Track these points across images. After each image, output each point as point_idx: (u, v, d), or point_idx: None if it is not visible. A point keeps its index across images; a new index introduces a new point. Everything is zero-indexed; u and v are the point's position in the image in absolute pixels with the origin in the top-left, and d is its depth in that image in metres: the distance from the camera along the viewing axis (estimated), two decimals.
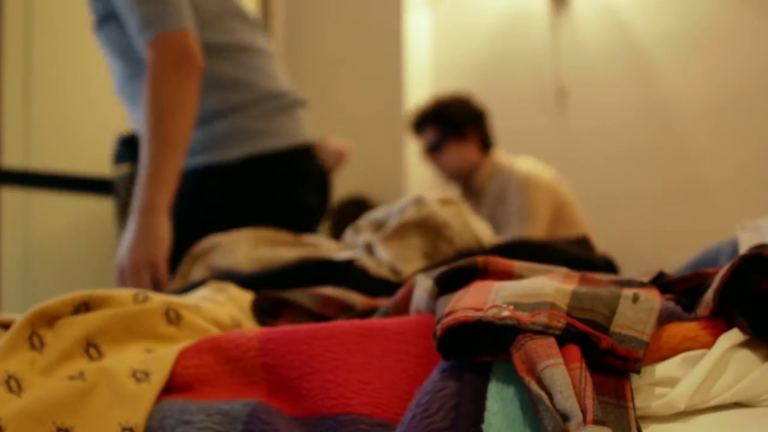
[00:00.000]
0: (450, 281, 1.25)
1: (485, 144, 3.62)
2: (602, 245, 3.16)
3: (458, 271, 1.26)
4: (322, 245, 2.09)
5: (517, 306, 1.05)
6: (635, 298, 1.07)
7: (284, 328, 1.22)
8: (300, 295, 1.56)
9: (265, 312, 1.55)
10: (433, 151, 3.60)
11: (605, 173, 4.34)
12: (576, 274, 1.25)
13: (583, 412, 0.88)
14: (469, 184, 3.64)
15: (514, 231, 3.39)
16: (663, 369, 1.06)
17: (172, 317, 1.34)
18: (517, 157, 3.68)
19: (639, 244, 4.08)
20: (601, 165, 4.38)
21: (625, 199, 4.27)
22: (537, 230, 3.36)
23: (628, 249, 3.81)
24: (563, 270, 1.30)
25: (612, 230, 4.11)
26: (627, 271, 1.72)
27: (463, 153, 3.54)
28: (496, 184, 3.52)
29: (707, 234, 2.45)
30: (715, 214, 4.03)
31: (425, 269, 1.64)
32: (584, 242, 1.90)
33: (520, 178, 3.44)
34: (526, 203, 3.36)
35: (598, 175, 4.35)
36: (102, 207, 3.58)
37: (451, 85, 4.76)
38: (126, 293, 1.33)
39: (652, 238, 4.14)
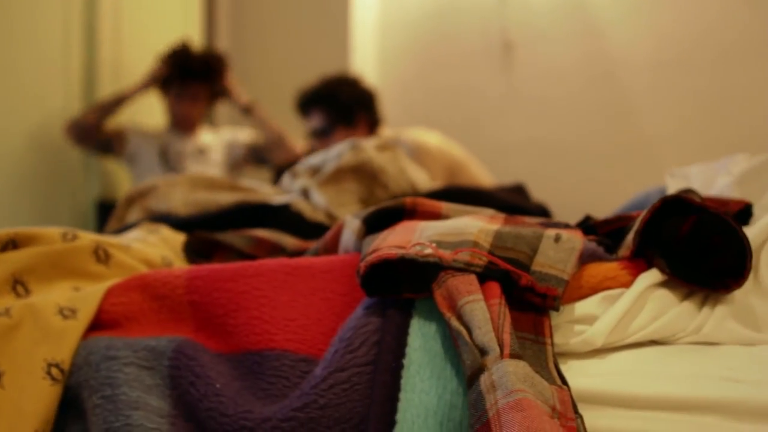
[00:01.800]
0: (378, 221, 1.25)
1: (374, 126, 3.55)
2: (545, 196, 3.19)
3: (386, 211, 1.26)
4: (259, 190, 2.08)
5: (440, 244, 1.06)
6: (557, 238, 1.09)
7: (211, 266, 1.21)
8: (232, 237, 1.56)
9: (197, 253, 1.54)
10: (320, 135, 3.51)
11: (550, 126, 4.36)
12: (501, 215, 1.26)
13: (501, 346, 0.89)
14: None
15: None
16: (582, 307, 1.08)
17: (101, 256, 1.33)
18: (404, 129, 3.62)
19: (582, 196, 4.11)
20: (545, 118, 4.40)
21: (569, 151, 4.30)
22: None
23: (571, 200, 3.85)
24: (489, 211, 1.31)
25: (555, 181, 4.14)
26: (568, 221, 1.75)
27: (349, 138, 3.43)
28: None
29: (649, 185, 2.48)
30: (657, 167, 4.07)
31: None
32: (519, 189, 1.92)
33: (409, 148, 3.34)
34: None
35: (542, 127, 4.36)
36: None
37: (397, 38, 4.73)
38: (54, 231, 1.32)
39: (595, 189, 4.17)
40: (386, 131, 3.61)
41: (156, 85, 3.77)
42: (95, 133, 3.59)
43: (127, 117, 3.83)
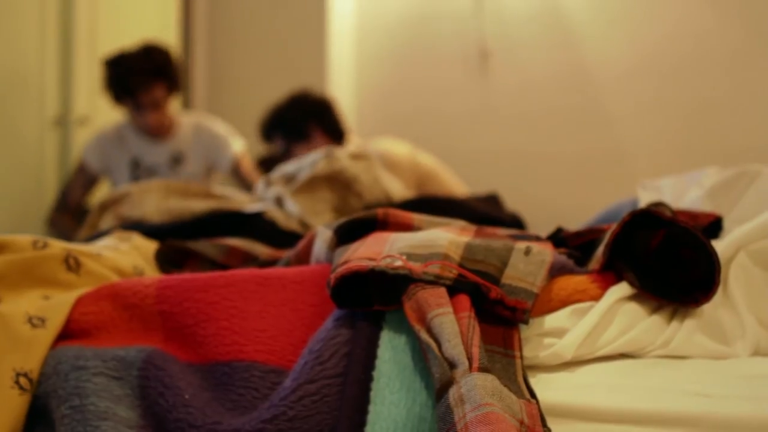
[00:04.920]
0: (350, 232, 1.25)
1: (335, 134, 3.53)
2: (520, 205, 3.19)
3: (358, 222, 1.26)
4: (233, 197, 2.08)
5: (411, 256, 1.06)
6: (527, 251, 1.09)
7: (182, 276, 1.21)
8: (204, 245, 1.56)
9: (168, 261, 1.54)
10: (284, 159, 3.48)
11: (525, 135, 4.37)
12: (472, 227, 1.27)
13: (470, 359, 0.90)
14: None
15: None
16: (552, 320, 1.09)
17: (72, 264, 1.33)
18: (372, 140, 3.61)
19: (556, 205, 4.13)
20: (521, 126, 4.41)
21: (544, 160, 4.32)
22: None
23: (546, 209, 3.86)
24: (461, 223, 1.31)
25: (530, 190, 4.15)
26: (541, 231, 1.75)
27: (311, 152, 3.40)
28: None
29: (623, 196, 2.49)
30: (631, 177, 4.09)
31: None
32: (493, 199, 1.92)
33: (378, 161, 3.33)
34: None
35: (518, 136, 4.38)
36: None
37: (374, 46, 4.74)
38: (24, 239, 1.31)
39: (569, 199, 4.19)
40: (354, 141, 3.61)
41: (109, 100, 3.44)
42: (81, 207, 3.46)
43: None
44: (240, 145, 3.66)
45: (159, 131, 3.50)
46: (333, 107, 3.58)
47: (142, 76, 3.33)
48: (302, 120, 3.45)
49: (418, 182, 3.35)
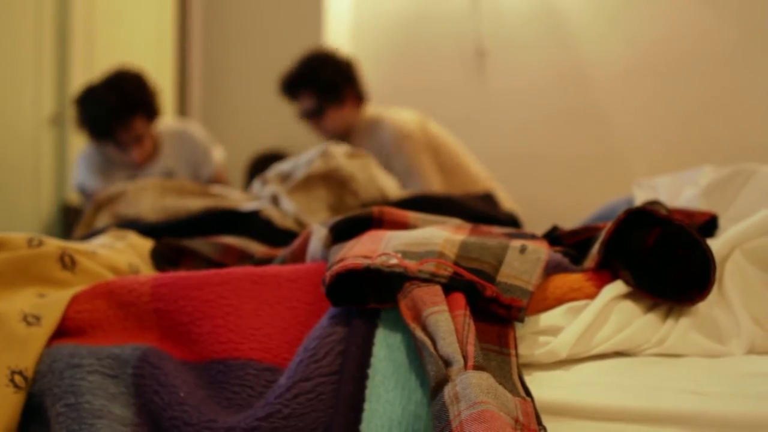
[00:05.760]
0: (345, 230, 1.25)
1: (361, 98, 3.54)
2: (517, 205, 3.20)
3: (353, 220, 1.26)
4: (229, 196, 2.07)
5: (406, 254, 1.06)
6: (522, 249, 1.09)
7: (177, 274, 1.21)
8: (200, 244, 1.56)
9: (164, 259, 1.54)
10: (312, 116, 3.51)
11: (522, 134, 4.38)
12: (468, 225, 1.27)
13: (465, 357, 0.90)
14: (347, 142, 3.54)
15: (414, 189, 3.33)
16: (547, 318, 1.09)
17: (67, 262, 1.32)
18: (386, 109, 3.62)
19: (553, 204, 4.13)
20: (518, 126, 4.41)
21: (541, 159, 4.32)
22: (431, 182, 3.31)
23: (542, 208, 3.86)
24: (456, 221, 1.31)
25: (527, 190, 4.15)
26: (538, 230, 1.75)
27: (342, 115, 3.41)
28: (371, 141, 3.42)
29: (620, 196, 2.49)
30: (628, 176, 4.10)
31: None
32: (488, 198, 1.93)
33: (392, 136, 3.33)
34: (408, 161, 3.29)
35: (514, 135, 4.38)
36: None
37: (371, 46, 4.74)
38: (20, 237, 1.31)
39: (566, 198, 4.19)
40: (371, 108, 3.59)
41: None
42: None
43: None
44: (219, 155, 3.65)
45: (147, 162, 3.30)
46: (358, 68, 3.58)
47: (117, 115, 3.05)
48: (338, 81, 3.43)
49: (431, 151, 3.36)
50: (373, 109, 3.57)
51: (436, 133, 3.41)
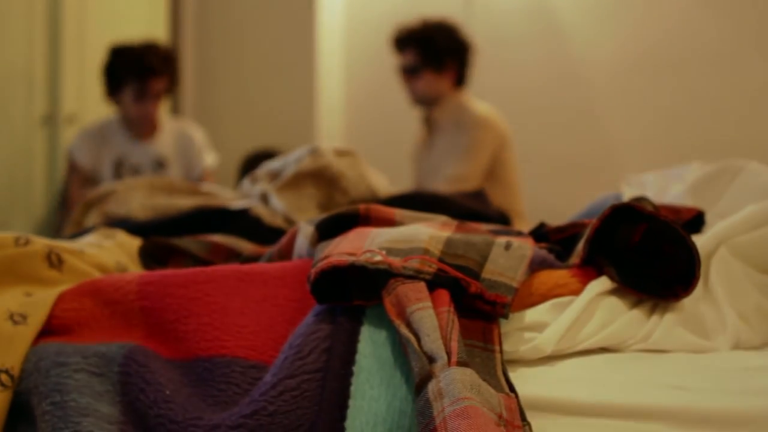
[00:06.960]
0: (331, 228, 1.25)
1: (460, 79, 3.58)
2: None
3: (340, 217, 1.26)
4: (218, 194, 2.08)
5: (391, 251, 1.06)
6: (507, 246, 1.10)
7: (163, 272, 1.21)
8: (188, 242, 1.56)
9: (152, 258, 1.54)
10: (409, 73, 3.58)
11: (514, 132, 4.37)
12: (453, 222, 1.27)
13: (449, 354, 0.90)
14: (430, 114, 3.59)
15: (454, 165, 3.39)
16: (532, 315, 1.09)
17: (54, 261, 1.32)
18: (479, 100, 3.66)
19: (545, 202, 4.13)
20: (510, 123, 4.42)
21: (533, 157, 4.32)
22: (475, 168, 3.36)
23: (534, 206, 3.87)
24: (442, 218, 1.31)
25: (519, 188, 4.16)
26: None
27: (436, 84, 3.48)
28: (452, 120, 3.48)
29: (611, 191, 2.50)
30: (620, 174, 4.10)
31: None
32: (480, 196, 1.93)
33: (474, 117, 3.41)
34: (472, 141, 3.35)
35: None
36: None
37: (363, 44, 4.74)
38: (6, 236, 1.31)
39: (557, 196, 4.19)
40: (467, 95, 3.63)
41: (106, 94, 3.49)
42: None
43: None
44: (212, 158, 3.76)
45: (149, 127, 3.53)
46: (472, 54, 3.60)
47: (160, 62, 3.42)
48: (447, 50, 3.49)
49: (497, 151, 3.45)
50: (468, 98, 3.62)
51: (510, 145, 3.50)
